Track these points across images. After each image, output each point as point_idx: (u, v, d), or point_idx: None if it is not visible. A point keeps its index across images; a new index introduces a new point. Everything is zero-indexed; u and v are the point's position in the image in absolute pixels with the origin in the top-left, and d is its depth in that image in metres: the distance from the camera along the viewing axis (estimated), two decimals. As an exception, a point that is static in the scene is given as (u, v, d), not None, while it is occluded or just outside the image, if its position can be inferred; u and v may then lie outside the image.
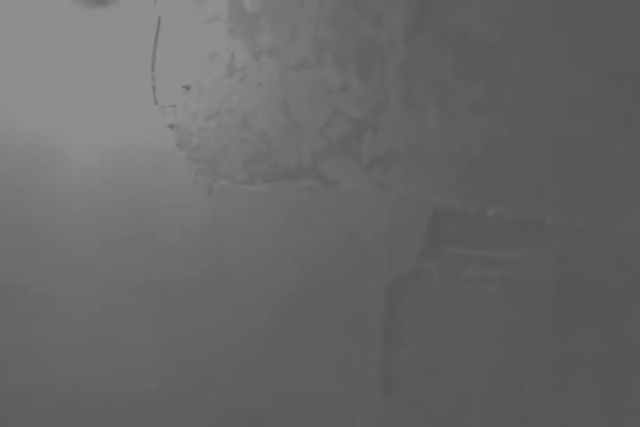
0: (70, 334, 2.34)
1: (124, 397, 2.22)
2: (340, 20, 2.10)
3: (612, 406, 1.64)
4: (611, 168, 1.75)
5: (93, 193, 2.39)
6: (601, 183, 1.75)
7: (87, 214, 2.39)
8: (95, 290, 2.32)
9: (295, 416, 2.00)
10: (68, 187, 2.43)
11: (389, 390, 1.85)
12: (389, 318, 1.90)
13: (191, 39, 2.34)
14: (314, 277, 2.02)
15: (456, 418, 1.79)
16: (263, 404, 2.05)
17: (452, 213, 1.88)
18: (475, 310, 1.80)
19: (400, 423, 1.85)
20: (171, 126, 2.34)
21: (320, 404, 1.95)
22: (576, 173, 1.78)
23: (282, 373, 2.03)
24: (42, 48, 2.51)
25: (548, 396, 1.69)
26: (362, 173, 2.04)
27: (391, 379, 1.86)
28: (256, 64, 2.23)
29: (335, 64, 2.11)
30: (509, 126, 1.88)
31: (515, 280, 1.77)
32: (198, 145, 2.30)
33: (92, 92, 2.44)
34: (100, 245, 2.36)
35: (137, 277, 2.29)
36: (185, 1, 2.35)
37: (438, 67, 1.97)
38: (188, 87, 2.34)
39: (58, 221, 2.43)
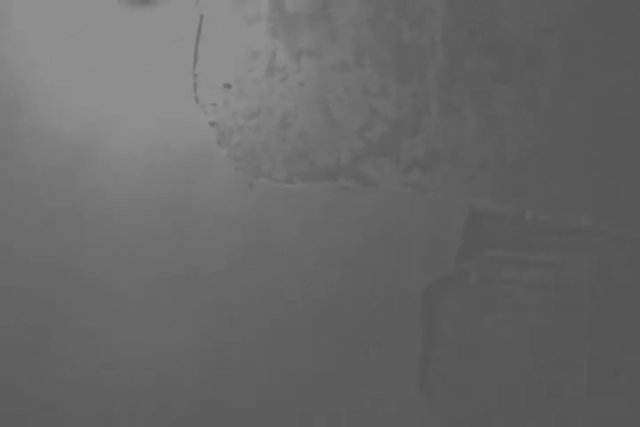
0: (114, 319, 2.36)
1: (167, 381, 2.24)
2: (381, 23, 2.09)
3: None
4: None
5: (137, 184, 2.39)
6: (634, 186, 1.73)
7: (130, 205, 2.40)
8: (138, 276, 2.33)
9: (331, 410, 1.99)
10: (114, 177, 2.44)
11: (426, 391, 1.84)
12: (427, 319, 1.91)
13: (232, 38, 2.34)
14: (350, 276, 2.04)
15: (490, 421, 1.78)
16: (298, 393, 2.05)
17: (490, 216, 1.89)
18: (512, 312, 1.79)
19: (437, 425, 1.84)
20: (212, 124, 2.35)
21: (351, 402, 1.95)
22: (616, 178, 1.76)
23: (314, 365, 2.03)
24: (91, 45, 2.50)
25: (582, 402, 1.68)
26: (400, 175, 2.03)
27: (428, 381, 1.84)
28: (296, 64, 2.23)
29: (374, 67, 2.11)
30: (547, 131, 1.86)
31: (551, 284, 1.78)
32: (238, 143, 2.30)
33: (137, 87, 2.44)
34: (143, 234, 2.37)
35: (178, 266, 2.30)
36: (226, 1, 2.31)
37: (477, 71, 1.94)
38: (229, 86, 2.34)
39: (103, 210, 2.44)
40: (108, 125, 2.52)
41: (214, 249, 2.32)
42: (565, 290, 1.76)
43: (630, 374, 1.66)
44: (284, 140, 2.29)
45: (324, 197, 2.17)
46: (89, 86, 2.58)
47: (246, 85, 2.37)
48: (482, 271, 1.88)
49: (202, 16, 2.46)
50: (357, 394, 1.98)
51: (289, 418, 2.07)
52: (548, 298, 1.79)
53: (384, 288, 2.02)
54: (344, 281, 2.07)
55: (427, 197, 2.03)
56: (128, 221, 2.46)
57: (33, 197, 2.58)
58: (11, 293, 2.56)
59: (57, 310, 2.51)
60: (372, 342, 1.98)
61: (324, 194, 2.18)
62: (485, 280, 1.88)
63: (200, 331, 2.30)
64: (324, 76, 2.23)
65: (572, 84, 1.89)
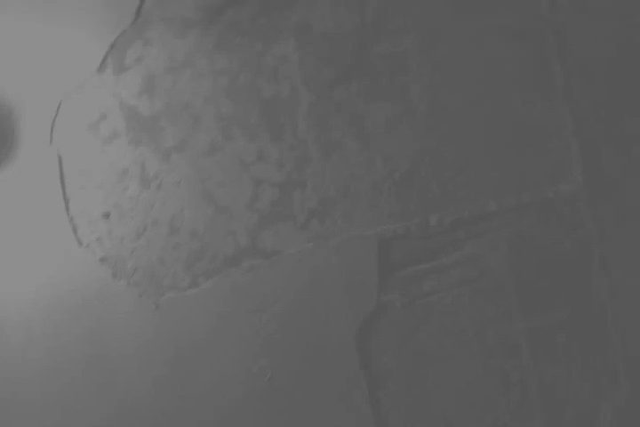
0: None
1: None
2: (238, 90, 2.43)
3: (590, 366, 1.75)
4: (528, 135, 1.96)
5: (50, 333, 2.64)
6: (521, 158, 1.96)
7: (53, 347, 2.63)
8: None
9: None
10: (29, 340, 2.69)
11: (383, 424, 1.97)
12: (365, 360, 2.03)
13: (96, 164, 2.67)
14: (280, 350, 2.17)
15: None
16: None
17: (398, 236, 2.07)
18: (446, 318, 1.94)
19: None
20: (102, 260, 2.60)
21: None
22: (502, 159, 2.00)
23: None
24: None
25: (533, 374, 1.82)
26: (300, 233, 2.24)
27: (383, 415, 1.96)
28: (167, 165, 2.54)
29: (245, 135, 2.40)
30: (427, 136, 2.12)
31: (473, 276, 1.95)
32: (134, 268, 2.54)
33: (17, 250, 2.75)
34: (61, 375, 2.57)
35: (98, 396, 2.48)
36: (78, 129, 2.71)
37: (346, 98, 2.25)
38: (107, 215, 2.64)
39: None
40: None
41: (139, 382, 2.52)
42: (488, 276, 1.95)
43: (567, 332, 1.85)
44: (176, 247, 2.54)
45: (232, 286, 2.38)
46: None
47: (125, 206, 2.67)
48: (404, 294, 2.08)
49: (60, 156, 2.84)
50: None
51: None
52: (475, 291, 1.97)
53: (318, 344, 2.18)
54: (275, 357, 2.24)
55: (332, 242, 2.25)
56: (55, 365, 2.70)
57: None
58: None
59: None
60: (318, 402, 2.14)
61: (233, 282, 2.39)
62: (410, 300, 2.06)
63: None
64: (198, 166, 2.53)
65: (436, 84, 2.19)
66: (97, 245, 2.62)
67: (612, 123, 1.91)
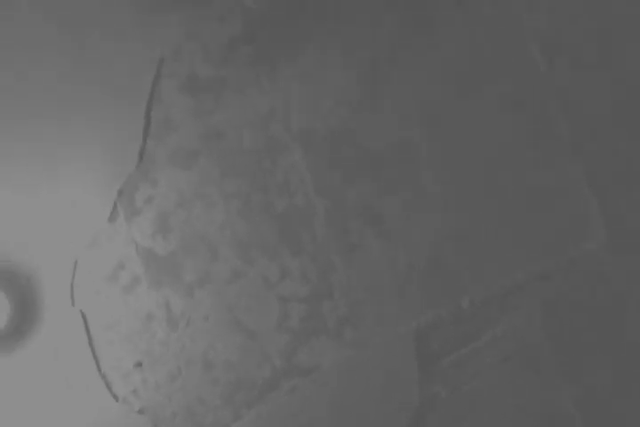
0: None
1: None
2: (252, 210, 2.71)
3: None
4: (544, 198, 2.21)
5: None
6: (540, 223, 2.20)
7: None
8: None
9: None
10: None
11: None
12: None
13: (120, 315, 2.93)
14: None
15: None
16: None
17: (432, 326, 2.28)
18: (492, 399, 2.11)
19: None
20: (140, 411, 2.81)
21: None
22: (515, 228, 2.24)
23: None
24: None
25: None
26: (335, 343, 2.46)
27: None
28: (192, 301, 2.78)
29: (265, 256, 2.65)
30: (442, 218, 2.37)
31: (513, 350, 2.13)
32: (174, 413, 2.73)
33: (51, 408, 2.97)
34: None
35: None
36: (98, 283, 2.99)
37: (363, 195, 2.53)
38: (139, 364, 2.86)
39: None
40: None
41: None
42: (527, 348, 2.12)
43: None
44: (213, 382, 2.72)
45: (275, 411, 2.56)
46: None
47: (156, 352, 2.89)
48: (447, 383, 2.24)
49: (84, 315, 3.11)
50: None
51: None
52: (517, 365, 2.13)
53: None
54: None
55: (367, 347, 2.45)
56: None
57: None
58: None
59: None
60: None
61: (275, 407, 2.57)
62: (454, 388, 2.23)
63: None
64: (223, 296, 2.76)
65: (447, 166, 2.46)
66: (133, 397, 2.81)
67: (625, 173, 2.13)
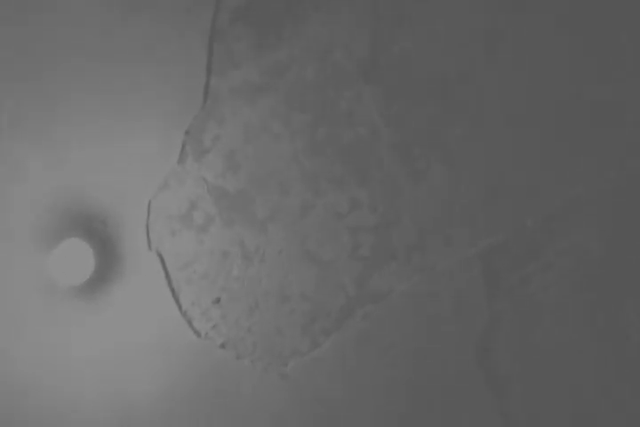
0: None
1: None
2: (319, 142, 2.78)
3: None
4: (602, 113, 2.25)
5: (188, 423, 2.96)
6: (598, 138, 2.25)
7: None
8: None
9: None
10: None
11: None
12: (490, 370, 2.29)
13: (196, 254, 3.03)
14: (414, 386, 2.45)
15: None
16: None
17: (499, 247, 2.37)
18: (557, 313, 2.21)
19: None
20: (223, 345, 2.92)
21: None
22: (573, 142, 2.29)
23: None
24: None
25: None
26: (405, 269, 2.54)
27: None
28: (265, 237, 2.88)
29: (334, 187, 2.74)
30: (501, 141, 2.42)
31: (576, 265, 2.31)
32: (254, 343, 2.85)
33: (136, 348, 3.10)
34: None
35: None
36: (172, 224, 3.09)
37: (422, 123, 2.58)
38: (218, 300, 2.97)
39: None
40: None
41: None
42: (589, 262, 2.29)
43: None
44: (290, 313, 2.82)
45: (352, 338, 2.67)
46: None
47: (234, 287, 3.00)
48: (514, 299, 2.35)
49: (161, 256, 3.21)
50: None
51: None
52: (579, 279, 2.31)
53: (440, 373, 2.49)
54: (410, 399, 2.52)
55: (436, 271, 2.54)
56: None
57: None
58: None
59: None
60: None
61: (351, 334, 2.67)
62: (521, 304, 2.34)
63: None
64: (294, 230, 2.84)
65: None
66: (214, 332, 2.93)
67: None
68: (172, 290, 3.07)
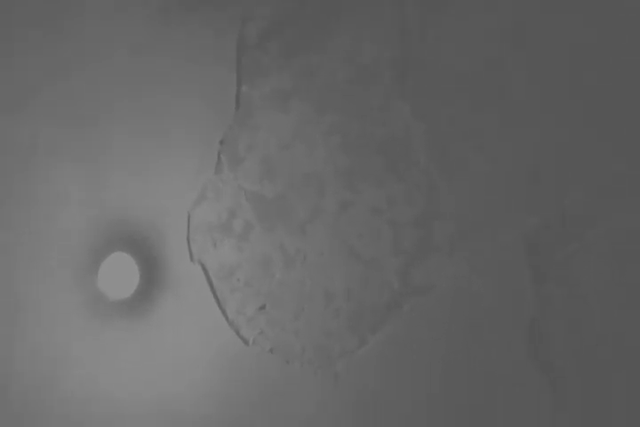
0: None
1: None
2: (352, 142, 2.84)
3: None
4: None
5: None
6: None
7: None
8: None
9: None
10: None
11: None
12: (542, 355, 2.39)
13: (238, 262, 3.09)
14: (465, 379, 2.49)
15: None
16: None
17: (540, 230, 2.42)
18: (603, 291, 2.26)
19: None
20: (271, 351, 2.98)
21: None
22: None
23: None
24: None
25: None
26: (449, 261, 2.59)
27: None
28: (305, 239, 2.93)
29: (370, 185, 2.79)
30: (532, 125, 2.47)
31: (620, 240, 2.33)
32: (302, 347, 2.90)
33: (183, 356, 3.16)
34: None
35: None
36: (213, 234, 3.15)
37: (455, 116, 2.63)
38: (263, 307, 3.03)
39: None
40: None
41: None
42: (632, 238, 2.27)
43: None
44: (336, 313, 2.84)
45: (399, 332, 2.72)
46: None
47: (278, 292, 3.04)
48: (560, 282, 2.41)
49: (204, 267, 3.27)
50: None
51: None
52: (622, 254, 2.34)
53: (492, 362, 2.51)
54: (460, 391, 2.56)
55: (480, 259, 2.59)
56: None
57: None
58: None
59: None
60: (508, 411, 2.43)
61: (398, 329, 2.72)
62: (566, 284, 2.40)
63: None
64: (335, 229, 2.87)
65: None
66: (262, 338, 2.98)
67: None
68: (217, 300, 3.13)
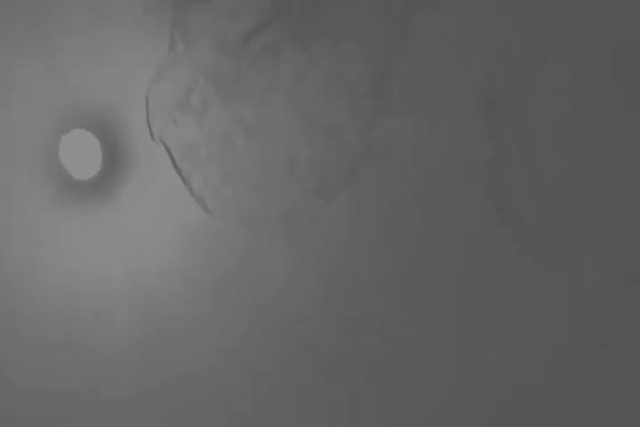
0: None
1: None
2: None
3: None
4: None
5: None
6: None
7: None
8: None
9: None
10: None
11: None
12: None
13: (199, 138, 3.11)
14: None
15: None
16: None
17: (491, 83, 2.44)
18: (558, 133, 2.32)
19: None
20: (238, 222, 3.03)
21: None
22: None
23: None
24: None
25: None
26: (405, 119, 2.62)
27: None
28: (264, 109, 2.95)
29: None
30: None
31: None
32: (270, 218, 2.96)
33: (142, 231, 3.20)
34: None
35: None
36: (172, 112, 3.16)
37: None
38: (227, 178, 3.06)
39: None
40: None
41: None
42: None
43: None
44: (302, 182, 2.95)
45: (361, 193, 2.79)
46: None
47: (240, 164, 3.11)
48: (514, 127, 2.46)
49: (166, 146, 3.30)
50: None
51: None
52: None
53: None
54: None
55: (436, 119, 2.64)
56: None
57: None
58: None
59: None
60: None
61: (360, 189, 2.81)
62: (521, 130, 2.45)
63: None
64: (292, 98, 2.96)
65: None
66: (228, 211, 3.04)
67: None
68: (181, 176, 3.17)
